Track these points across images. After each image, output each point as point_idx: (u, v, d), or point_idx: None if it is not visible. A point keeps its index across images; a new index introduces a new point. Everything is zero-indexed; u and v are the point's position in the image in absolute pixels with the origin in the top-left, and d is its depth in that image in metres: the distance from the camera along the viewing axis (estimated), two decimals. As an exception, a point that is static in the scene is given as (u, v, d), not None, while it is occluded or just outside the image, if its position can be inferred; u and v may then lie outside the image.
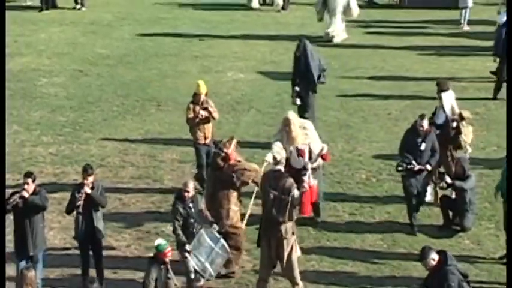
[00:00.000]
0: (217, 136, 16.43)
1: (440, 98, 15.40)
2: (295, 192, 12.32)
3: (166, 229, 14.63)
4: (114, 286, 13.32)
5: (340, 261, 13.54)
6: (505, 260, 13.65)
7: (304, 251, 13.71)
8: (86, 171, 13.15)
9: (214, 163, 13.95)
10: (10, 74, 23.41)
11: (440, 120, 15.36)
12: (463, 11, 27.20)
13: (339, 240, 14.12)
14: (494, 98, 20.78)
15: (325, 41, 25.36)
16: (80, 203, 12.96)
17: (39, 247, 12.84)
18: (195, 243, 12.75)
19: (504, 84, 20.37)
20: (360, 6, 30.29)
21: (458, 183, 14.16)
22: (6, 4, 29.11)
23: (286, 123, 14.81)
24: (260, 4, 30.37)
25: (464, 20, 27.12)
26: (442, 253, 11.00)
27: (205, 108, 16.39)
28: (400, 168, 14.72)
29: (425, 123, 14.88)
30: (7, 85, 21.80)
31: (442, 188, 14.68)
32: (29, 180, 13.00)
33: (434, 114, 15.53)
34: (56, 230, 14.60)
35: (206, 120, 16.47)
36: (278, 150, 13.43)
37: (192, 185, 13.19)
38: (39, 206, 12.90)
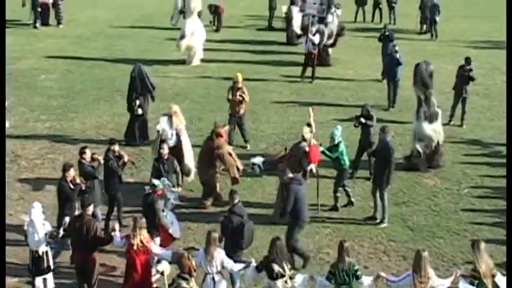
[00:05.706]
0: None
1: None
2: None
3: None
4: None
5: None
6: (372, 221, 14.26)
7: (193, 219, 14.78)
8: (113, 143, 13.97)
9: (210, 136, 15.22)
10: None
11: None
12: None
13: (223, 207, 14.59)
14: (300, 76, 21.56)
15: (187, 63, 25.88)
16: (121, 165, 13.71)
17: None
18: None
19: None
20: (263, 29, 32.93)
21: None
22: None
23: (173, 110, 15.97)
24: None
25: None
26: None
27: (241, 92, 17.91)
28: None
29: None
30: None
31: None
32: (87, 150, 13.20)
33: None
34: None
35: (239, 101, 17.94)
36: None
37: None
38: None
